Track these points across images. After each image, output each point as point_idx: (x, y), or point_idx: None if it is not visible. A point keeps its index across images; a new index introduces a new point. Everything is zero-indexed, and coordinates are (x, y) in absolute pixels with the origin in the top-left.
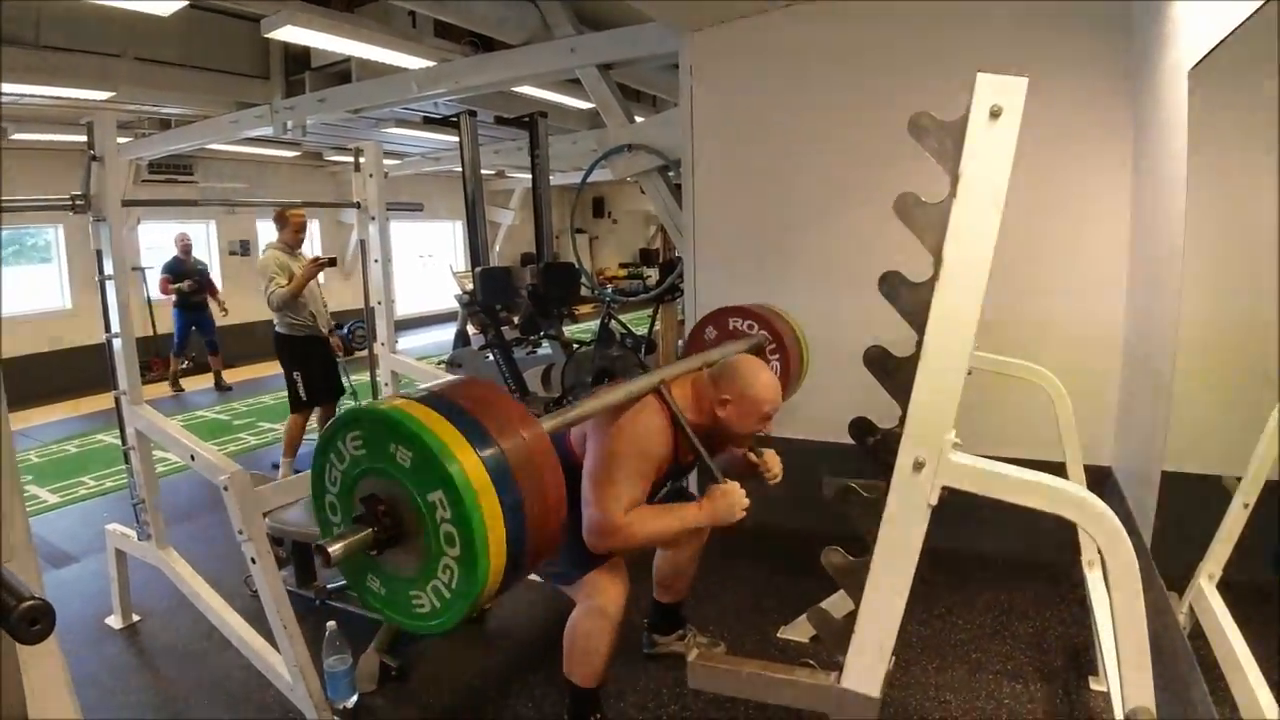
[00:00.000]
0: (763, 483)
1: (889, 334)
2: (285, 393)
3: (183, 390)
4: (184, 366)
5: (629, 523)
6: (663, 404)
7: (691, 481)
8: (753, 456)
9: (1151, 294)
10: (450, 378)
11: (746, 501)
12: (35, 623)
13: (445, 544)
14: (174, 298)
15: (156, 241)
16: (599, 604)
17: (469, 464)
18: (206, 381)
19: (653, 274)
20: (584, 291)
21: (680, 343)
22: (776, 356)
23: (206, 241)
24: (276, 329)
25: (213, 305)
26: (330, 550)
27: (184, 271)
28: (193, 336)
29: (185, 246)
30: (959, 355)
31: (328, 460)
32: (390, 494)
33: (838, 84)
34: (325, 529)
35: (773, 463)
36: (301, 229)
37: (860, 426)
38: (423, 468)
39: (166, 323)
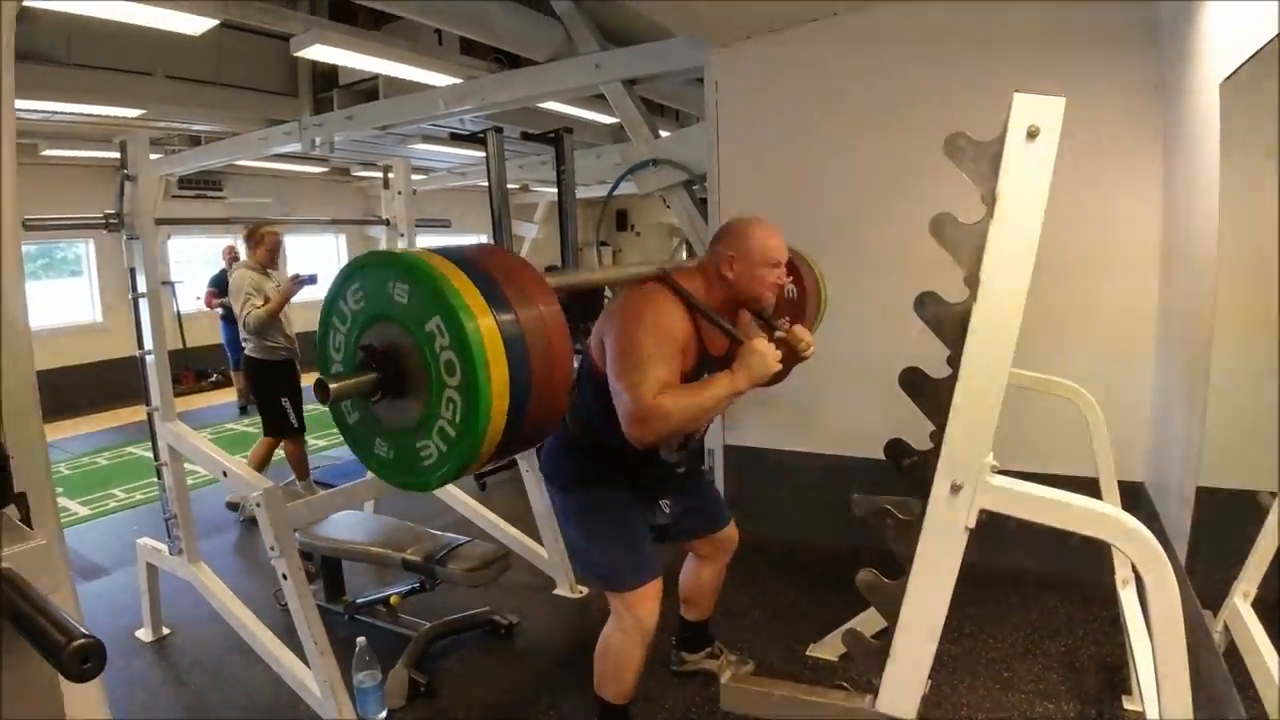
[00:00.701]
0: (797, 358)
1: (917, 349)
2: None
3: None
4: (212, 380)
5: (661, 402)
6: (669, 290)
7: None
8: (780, 334)
9: (1185, 308)
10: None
11: (778, 353)
12: (86, 661)
13: (446, 374)
14: (220, 311)
15: (185, 255)
16: (635, 618)
17: (462, 285)
18: (230, 396)
19: None
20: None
21: None
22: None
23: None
24: (250, 354)
25: None
26: (331, 386)
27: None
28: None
29: (233, 260)
30: (997, 378)
31: (331, 313)
32: (392, 341)
33: (862, 100)
34: (324, 367)
35: (802, 333)
36: (276, 248)
37: (897, 448)
38: (422, 302)
39: (196, 336)
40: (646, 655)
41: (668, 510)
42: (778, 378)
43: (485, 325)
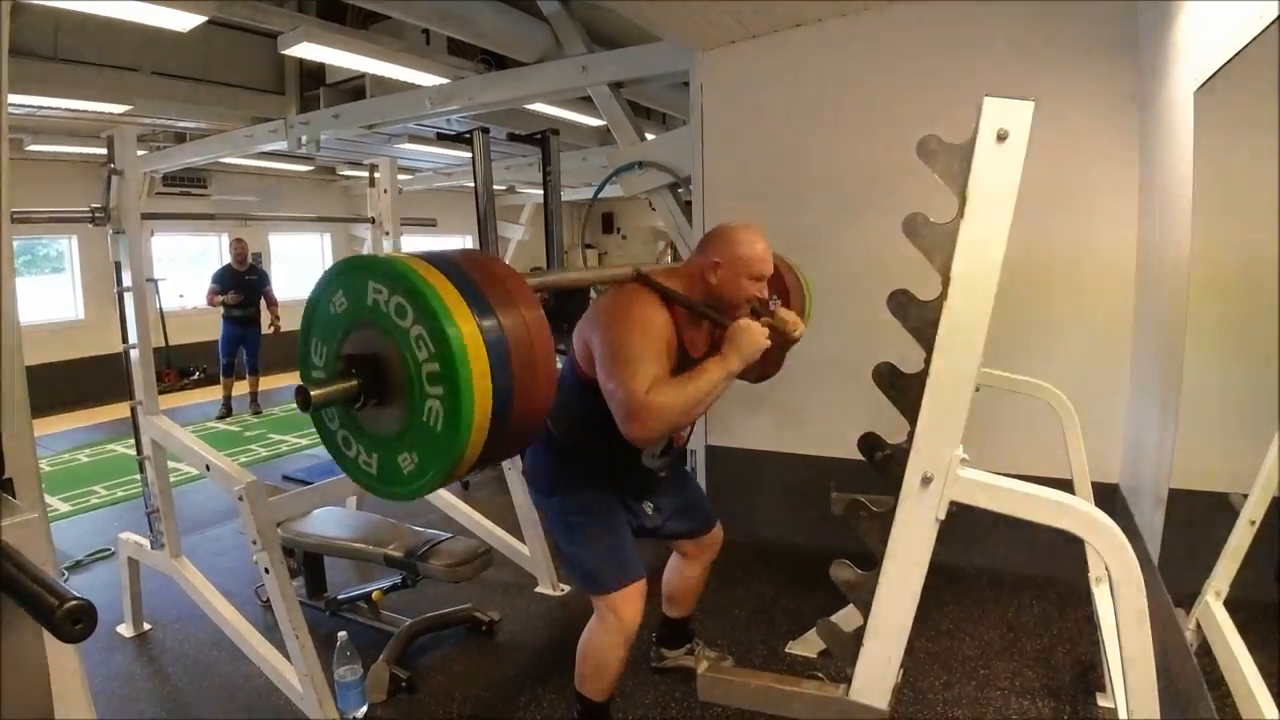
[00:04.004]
0: (788, 341)
1: (896, 351)
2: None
3: (230, 413)
4: (194, 378)
5: (654, 396)
6: (646, 287)
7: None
8: (767, 319)
9: (1158, 314)
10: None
11: (766, 329)
12: (78, 622)
13: (428, 379)
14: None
15: (168, 254)
16: (617, 619)
17: (445, 291)
18: (214, 394)
19: None
20: None
21: None
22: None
23: (219, 254)
24: None
25: (265, 319)
26: (312, 394)
27: (234, 282)
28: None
29: (239, 254)
30: (967, 371)
31: (314, 318)
32: (373, 349)
33: (845, 105)
34: (305, 374)
35: (788, 315)
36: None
37: (869, 442)
38: (403, 306)
39: (179, 334)
40: (627, 655)
41: (651, 512)
42: (773, 365)
43: (467, 330)
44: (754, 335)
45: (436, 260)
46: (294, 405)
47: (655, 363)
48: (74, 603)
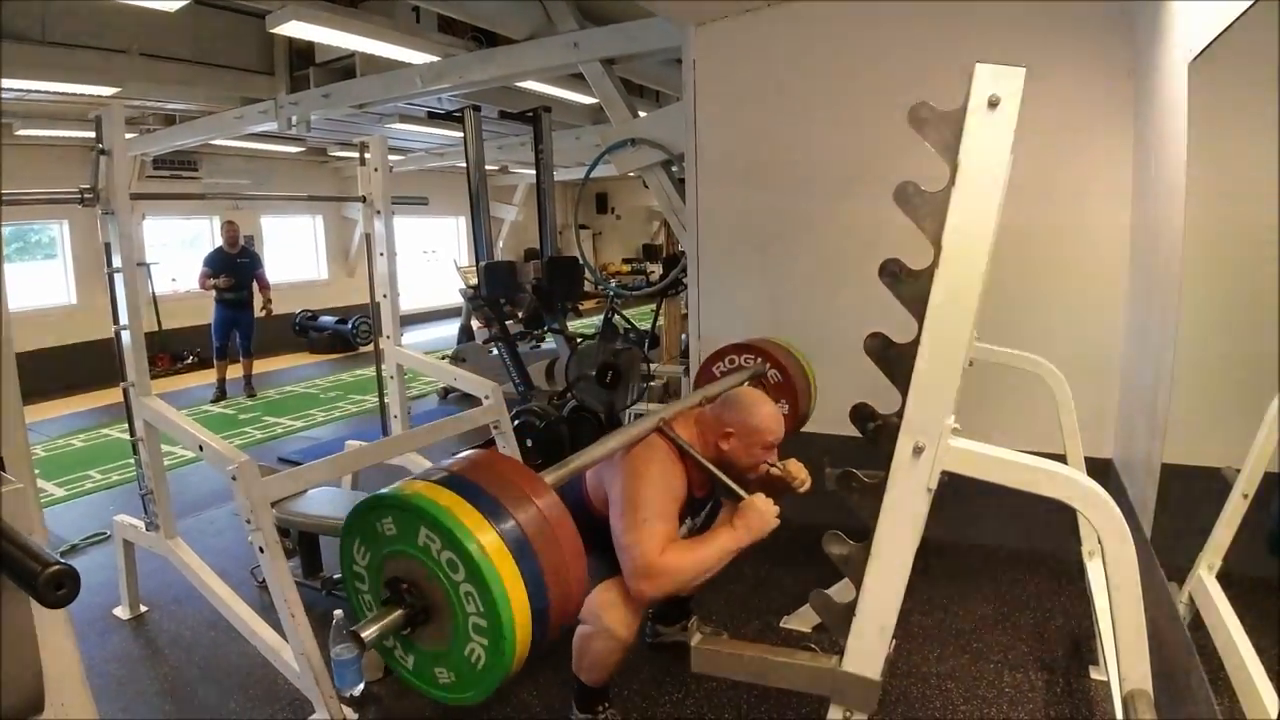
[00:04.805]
0: (794, 495)
1: (892, 326)
2: (294, 388)
3: (225, 396)
4: (188, 362)
5: (668, 560)
6: (667, 440)
7: None
8: (776, 470)
9: (1152, 287)
10: (464, 453)
11: (776, 509)
12: (61, 587)
13: (473, 630)
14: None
15: (160, 238)
16: (608, 625)
17: (487, 540)
18: (208, 378)
19: (655, 269)
20: (587, 286)
21: (683, 336)
22: (785, 400)
23: (211, 238)
24: None
25: (258, 302)
26: (364, 635)
27: (226, 265)
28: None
29: (231, 237)
30: (958, 340)
31: (354, 545)
32: (414, 574)
33: (839, 78)
34: (358, 613)
35: (797, 470)
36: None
37: (861, 413)
38: (444, 547)
39: (172, 318)
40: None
41: None
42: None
43: (488, 541)
44: (765, 517)
45: (439, 478)
46: (289, 387)
47: (668, 522)
48: (56, 568)
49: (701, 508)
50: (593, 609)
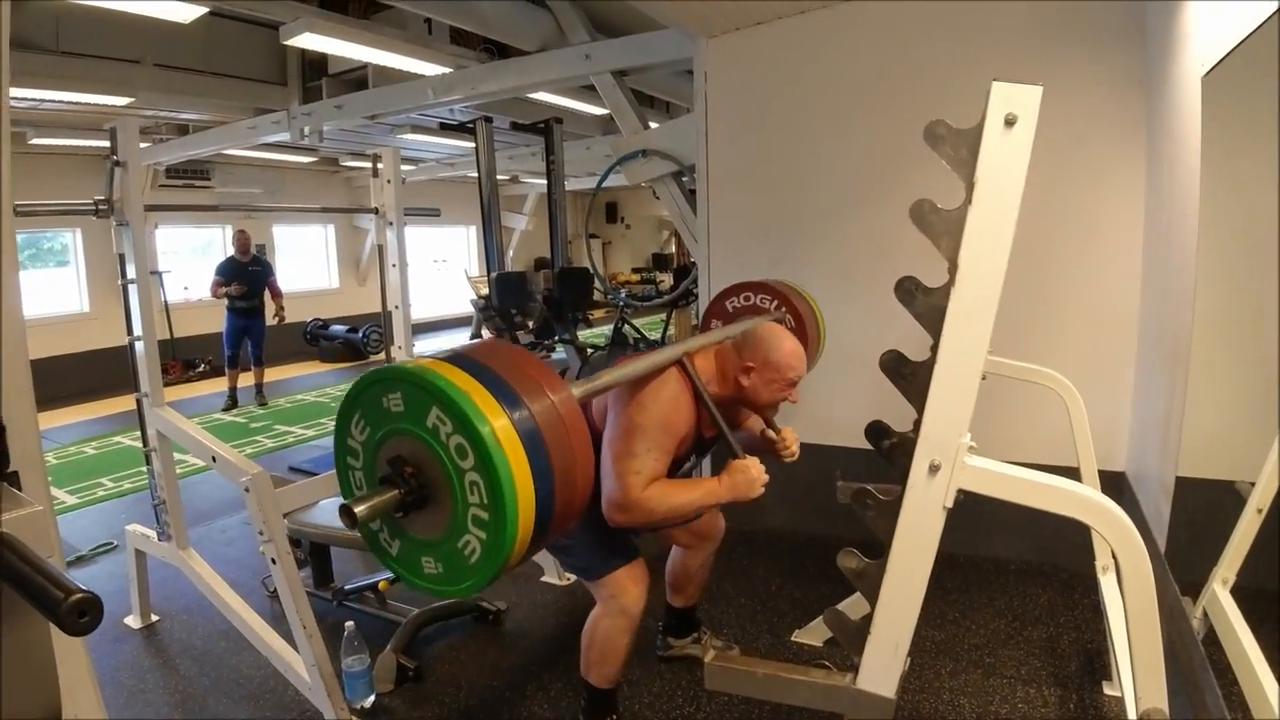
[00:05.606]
0: (780, 463)
1: (902, 338)
2: (305, 397)
3: (236, 405)
4: (199, 370)
5: (647, 497)
6: (685, 376)
7: (705, 467)
8: (771, 434)
9: (1165, 301)
10: (484, 339)
11: (766, 477)
12: (84, 614)
13: (473, 522)
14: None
15: (172, 246)
16: (620, 604)
17: (500, 426)
18: (219, 386)
19: (665, 278)
20: (597, 296)
21: None
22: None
23: (223, 247)
24: None
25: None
26: (356, 511)
27: (237, 273)
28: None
29: (242, 245)
30: (974, 359)
31: (352, 418)
32: (417, 456)
33: (851, 90)
34: (346, 490)
35: (790, 440)
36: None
37: (876, 430)
38: (454, 430)
39: (183, 326)
40: (634, 639)
41: None
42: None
43: (501, 428)
44: (753, 482)
45: (455, 359)
46: (299, 396)
47: (661, 459)
48: (79, 595)
49: (709, 448)
50: (604, 589)
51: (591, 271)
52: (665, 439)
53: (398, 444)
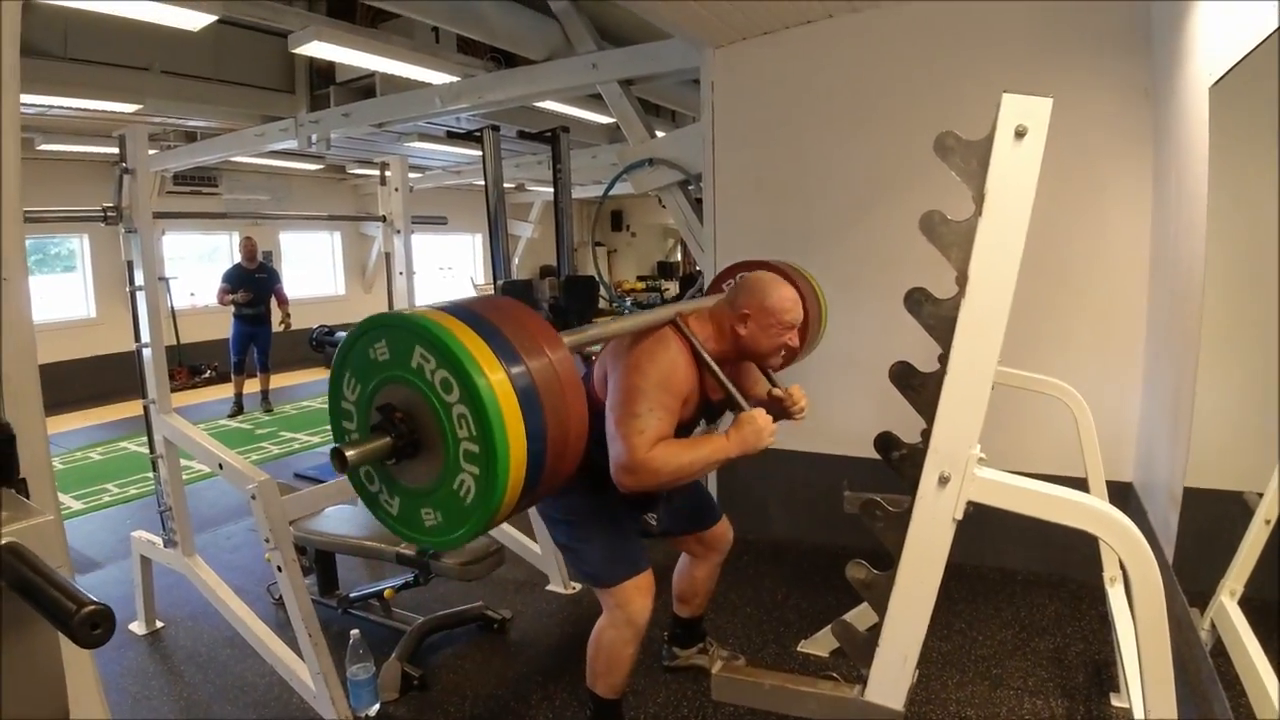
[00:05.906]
0: (791, 420)
1: (909, 348)
2: (311, 403)
3: (242, 411)
4: (206, 376)
5: (653, 457)
6: (679, 336)
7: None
8: (778, 392)
9: (1172, 310)
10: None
11: (774, 427)
12: (96, 627)
13: (464, 457)
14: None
15: (178, 252)
16: (626, 614)
17: (496, 379)
18: (225, 392)
19: (670, 286)
20: (603, 304)
21: None
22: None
23: (230, 253)
24: None
25: (276, 317)
26: (347, 454)
27: (243, 280)
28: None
29: (249, 252)
30: (984, 371)
31: (344, 379)
32: (410, 403)
33: (858, 100)
34: (338, 435)
35: (798, 395)
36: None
37: (886, 441)
38: (438, 365)
39: (190, 332)
40: (639, 651)
41: (654, 522)
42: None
43: (497, 380)
44: (760, 433)
45: (458, 311)
46: (305, 402)
47: (664, 419)
48: (92, 608)
49: (718, 414)
50: (611, 598)
51: (597, 279)
52: (667, 398)
53: (388, 393)
